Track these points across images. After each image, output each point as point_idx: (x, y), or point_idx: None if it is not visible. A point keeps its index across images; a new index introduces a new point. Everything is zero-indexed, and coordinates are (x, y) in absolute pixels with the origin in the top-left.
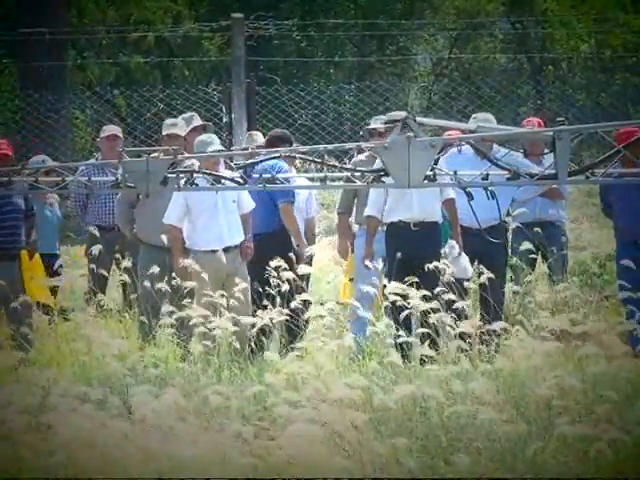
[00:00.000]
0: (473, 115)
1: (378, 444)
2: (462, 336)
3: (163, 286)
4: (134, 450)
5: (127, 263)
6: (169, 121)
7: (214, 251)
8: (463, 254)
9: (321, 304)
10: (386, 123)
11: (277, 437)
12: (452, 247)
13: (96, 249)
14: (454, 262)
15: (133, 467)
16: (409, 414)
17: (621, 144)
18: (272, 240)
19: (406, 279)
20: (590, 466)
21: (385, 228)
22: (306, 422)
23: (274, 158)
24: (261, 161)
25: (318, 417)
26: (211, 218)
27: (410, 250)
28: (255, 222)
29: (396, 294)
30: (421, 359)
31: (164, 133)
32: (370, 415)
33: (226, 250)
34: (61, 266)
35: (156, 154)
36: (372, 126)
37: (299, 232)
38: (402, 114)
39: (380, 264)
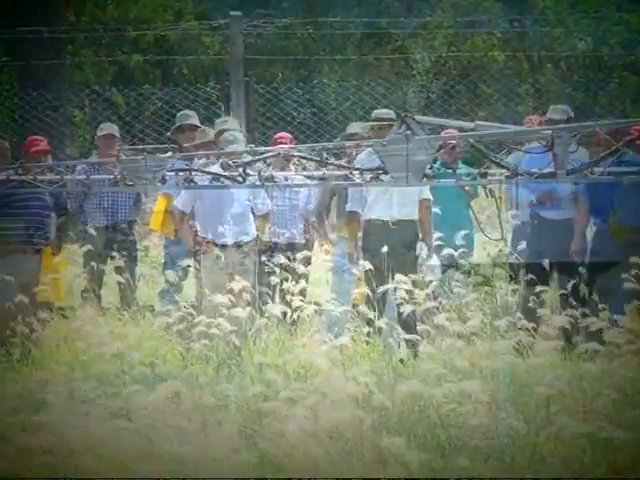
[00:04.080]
0: (552, 106)
1: (377, 442)
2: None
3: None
4: (134, 449)
5: (120, 262)
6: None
7: (224, 245)
8: (434, 255)
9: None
10: (373, 121)
11: (276, 435)
12: (421, 248)
13: (89, 249)
14: (423, 263)
15: (133, 467)
16: (408, 412)
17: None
18: None
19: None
20: (589, 465)
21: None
22: (306, 420)
23: (273, 157)
24: (259, 160)
25: (317, 415)
26: (220, 212)
27: (388, 248)
28: None
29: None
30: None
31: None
32: (369, 413)
33: (235, 246)
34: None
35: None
36: (349, 132)
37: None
38: (390, 112)
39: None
